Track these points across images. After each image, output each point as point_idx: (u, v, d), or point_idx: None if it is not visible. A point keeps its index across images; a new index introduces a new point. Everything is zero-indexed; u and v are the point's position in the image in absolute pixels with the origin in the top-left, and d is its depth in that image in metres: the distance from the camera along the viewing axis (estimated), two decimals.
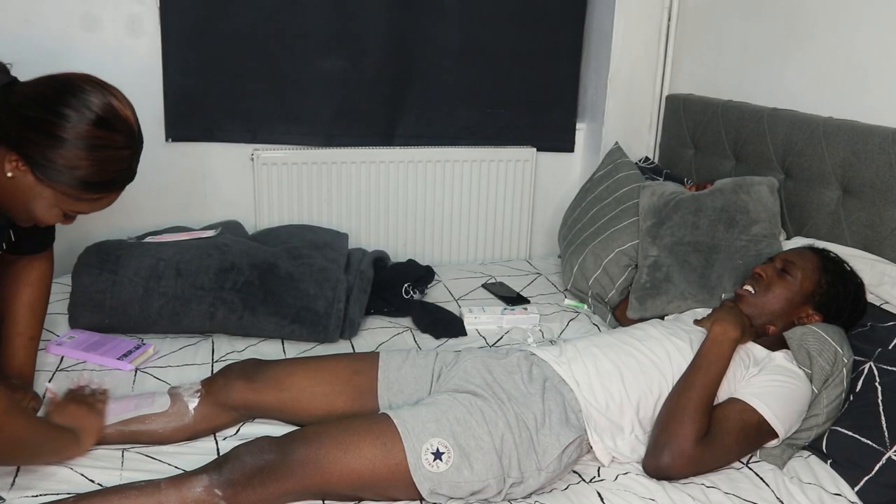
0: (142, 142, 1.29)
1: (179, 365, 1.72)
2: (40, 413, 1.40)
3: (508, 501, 1.31)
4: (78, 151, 1.17)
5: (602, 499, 1.30)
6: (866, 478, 1.33)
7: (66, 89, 1.18)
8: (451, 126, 2.59)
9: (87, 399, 1.38)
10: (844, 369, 1.45)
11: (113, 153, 1.22)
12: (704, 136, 2.33)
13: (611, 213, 2.16)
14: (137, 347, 1.76)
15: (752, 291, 1.60)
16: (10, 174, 1.17)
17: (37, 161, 1.17)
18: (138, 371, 1.68)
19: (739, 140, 2.16)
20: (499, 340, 1.96)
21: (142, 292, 1.82)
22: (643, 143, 2.64)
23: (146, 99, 2.30)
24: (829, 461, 1.41)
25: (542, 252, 2.84)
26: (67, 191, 1.20)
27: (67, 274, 1.94)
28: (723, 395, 1.43)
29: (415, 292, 2.16)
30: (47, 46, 2.14)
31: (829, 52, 1.91)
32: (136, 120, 1.27)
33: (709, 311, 1.67)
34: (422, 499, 1.27)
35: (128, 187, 2.41)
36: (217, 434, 1.45)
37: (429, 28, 2.47)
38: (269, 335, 1.88)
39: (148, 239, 2.03)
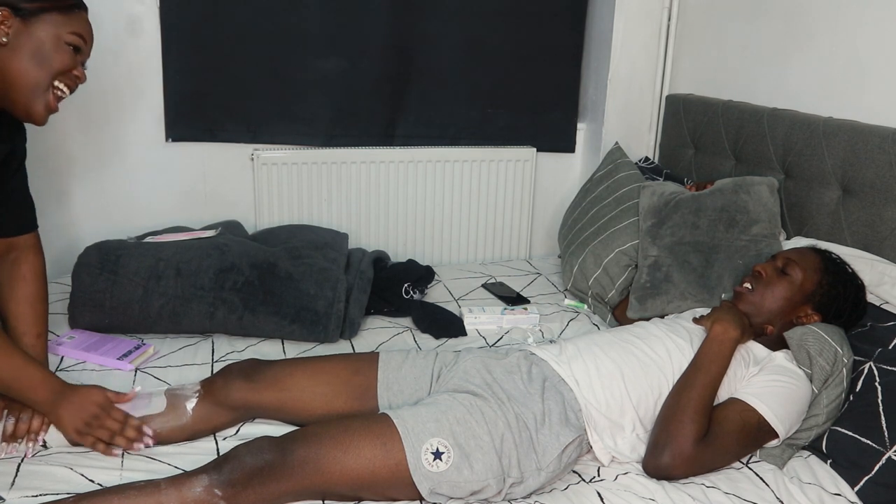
0: None
1: (179, 365, 1.72)
2: None
3: (508, 501, 1.31)
4: None
5: (602, 499, 1.30)
6: (866, 478, 1.33)
7: None
8: (451, 126, 2.60)
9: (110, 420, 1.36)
10: (844, 369, 1.45)
11: None
12: (704, 136, 2.33)
13: (611, 213, 2.16)
14: (137, 347, 1.76)
15: (751, 288, 1.60)
16: (4, 39, 1.25)
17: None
18: (138, 371, 1.68)
19: (739, 140, 2.16)
20: (499, 340, 1.96)
21: (142, 292, 1.82)
22: (643, 143, 2.64)
23: (146, 99, 2.31)
24: (829, 461, 1.41)
25: (542, 252, 2.84)
26: (47, 5, 1.28)
27: (67, 274, 1.94)
28: (723, 394, 1.43)
29: (415, 292, 2.16)
30: None
31: (829, 52, 1.91)
32: None
33: (708, 310, 1.67)
34: (422, 499, 1.27)
35: (128, 187, 2.42)
36: (217, 434, 1.45)
37: (429, 28, 2.47)
38: (269, 335, 1.88)
39: (148, 239, 2.03)
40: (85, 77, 1.38)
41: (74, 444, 1.37)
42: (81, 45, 1.35)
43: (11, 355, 1.31)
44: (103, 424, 1.34)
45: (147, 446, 1.37)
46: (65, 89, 1.36)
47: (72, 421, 1.32)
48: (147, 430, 1.38)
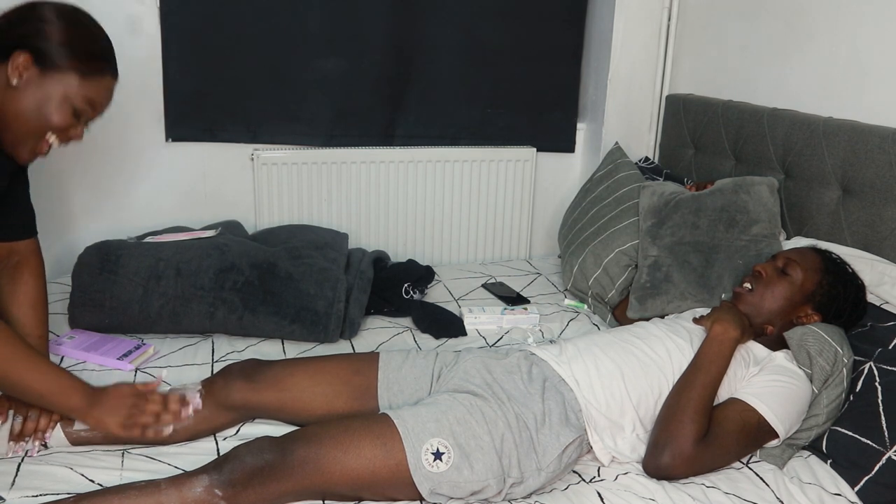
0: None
1: (179, 365, 1.72)
2: None
3: (508, 501, 1.31)
4: (63, 25, 1.30)
5: (602, 499, 1.30)
6: (866, 478, 1.33)
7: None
8: (451, 126, 2.60)
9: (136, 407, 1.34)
10: (844, 369, 1.45)
11: (94, 28, 1.36)
12: (704, 136, 2.33)
13: (611, 213, 2.16)
14: (137, 347, 1.76)
15: (750, 288, 1.60)
16: (14, 81, 1.26)
17: (34, 45, 1.26)
18: (138, 371, 1.68)
19: (739, 140, 2.16)
20: (499, 340, 1.96)
21: (142, 292, 1.82)
22: (643, 143, 2.64)
23: (146, 99, 2.30)
24: (829, 461, 1.41)
25: (542, 252, 2.84)
26: (71, 66, 1.29)
27: (67, 274, 1.94)
28: (723, 394, 1.43)
29: (415, 292, 2.16)
30: None
31: (829, 52, 1.91)
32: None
33: (708, 310, 1.67)
34: (422, 499, 1.27)
35: (128, 187, 2.42)
36: (217, 434, 1.46)
37: (429, 28, 2.47)
38: (269, 335, 1.88)
39: (148, 239, 2.03)
40: (81, 138, 1.37)
41: (75, 443, 1.38)
42: (87, 112, 1.34)
43: (42, 367, 1.29)
44: (145, 410, 1.33)
45: (197, 409, 1.39)
46: (56, 143, 1.35)
47: (114, 418, 1.30)
48: (191, 396, 1.40)
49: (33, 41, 1.26)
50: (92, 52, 1.33)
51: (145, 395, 1.35)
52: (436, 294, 2.26)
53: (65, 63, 1.28)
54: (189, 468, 1.24)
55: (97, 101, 1.35)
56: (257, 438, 1.25)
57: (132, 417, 1.31)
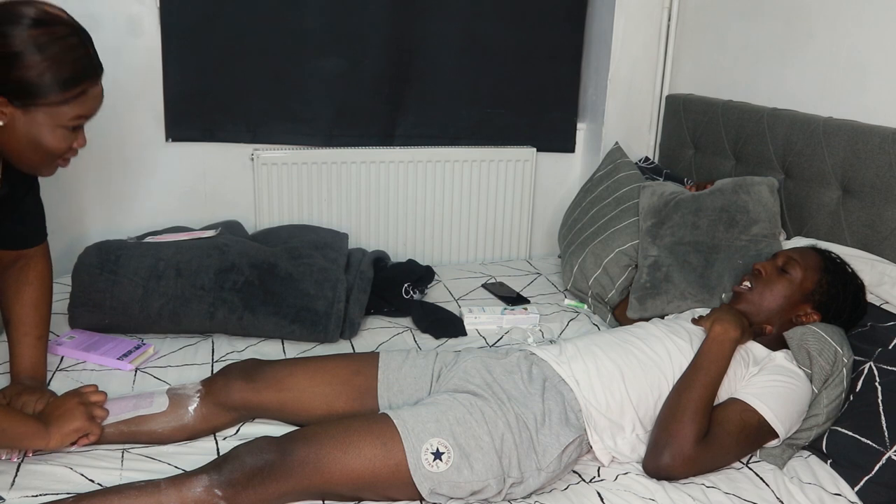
0: (85, 31, 1.30)
1: (179, 365, 1.72)
2: None
3: (508, 501, 1.31)
4: (33, 57, 1.20)
5: (602, 499, 1.30)
6: (866, 478, 1.33)
7: None
8: (451, 126, 2.60)
9: (88, 403, 1.38)
10: (844, 369, 1.45)
11: (63, 44, 1.24)
12: (704, 136, 2.33)
13: (611, 213, 2.16)
14: (137, 347, 1.76)
15: (750, 286, 1.60)
16: (0, 122, 1.21)
17: (9, 88, 1.20)
18: (138, 371, 1.68)
19: (739, 140, 2.16)
20: (499, 340, 1.96)
21: (142, 292, 1.82)
22: (643, 143, 2.64)
23: (146, 99, 2.31)
24: (829, 461, 1.41)
25: (542, 252, 2.84)
26: (53, 99, 1.22)
27: (67, 274, 1.94)
28: (723, 394, 1.43)
29: (415, 292, 2.16)
30: None
31: (829, 52, 1.91)
32: (70, 16, 1.29)
33: (708, 311, 1.67)
34: (422, 499, 1.27)
35: (128, 187, 2.42)
36: (217, 434, 1.46)
37: (429, 28, 2.47)
38: (269, 335, 1.88)
39: (148, 239, 2.03)
40: (85, 143, 1.33)
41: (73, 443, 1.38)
42: (82, 123, 1.30)
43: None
44: (92, 400, 1.39)
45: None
46: (63, 163, 1.33)
47: (74, 421, 1.32)
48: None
49: (7, 81, 1.19)
50: (71, 78, 1.24)
51: (90, 397, 1.40)
52: (436, 294, 2.26)
53: (45, 98, 1.22)
54: (189, 468, 1.24)
55: (89, 113, 1.30)
56: (257, 438, 1.25)
57: (90, 412, 1.36)
